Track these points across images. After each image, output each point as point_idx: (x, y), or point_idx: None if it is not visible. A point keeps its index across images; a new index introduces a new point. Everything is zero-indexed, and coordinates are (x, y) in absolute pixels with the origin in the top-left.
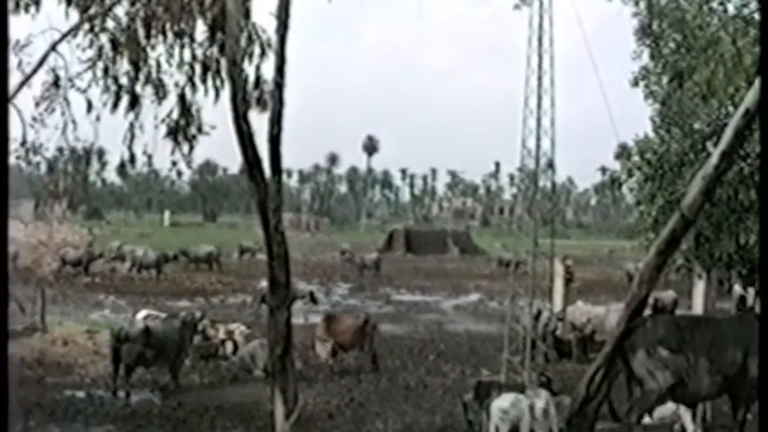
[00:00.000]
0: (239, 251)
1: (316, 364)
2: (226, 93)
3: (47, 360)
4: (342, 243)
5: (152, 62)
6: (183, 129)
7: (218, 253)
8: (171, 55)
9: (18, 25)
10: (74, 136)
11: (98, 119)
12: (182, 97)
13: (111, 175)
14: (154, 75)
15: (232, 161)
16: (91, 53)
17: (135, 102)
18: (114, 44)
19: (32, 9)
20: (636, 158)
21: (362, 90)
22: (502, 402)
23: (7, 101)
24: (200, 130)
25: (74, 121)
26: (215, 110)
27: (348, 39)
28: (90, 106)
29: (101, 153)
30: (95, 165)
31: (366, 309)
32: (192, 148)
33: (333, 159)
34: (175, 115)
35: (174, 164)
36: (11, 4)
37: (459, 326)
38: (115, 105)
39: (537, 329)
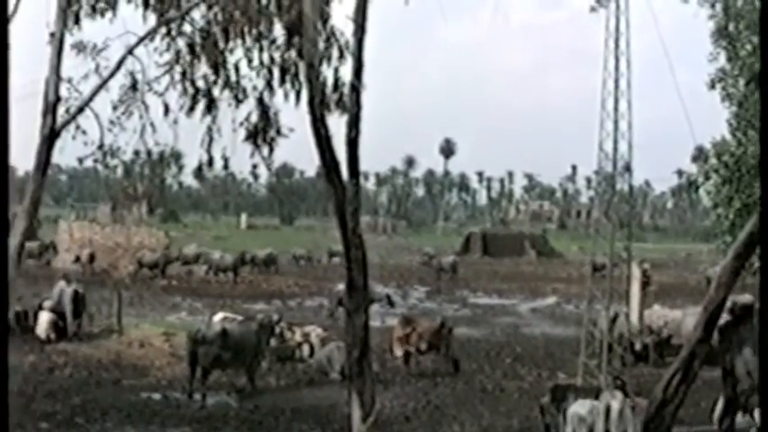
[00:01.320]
0: (328, 254)
1: (392, 366)
2: (304, 96)
3: (123, 362)
4: (418, 246)
5: (230, 66)
6: (262, 132)
7: (275, 255)
8: (249, 59)
9: (95, 29)
10: (153, 140)
11: (176, 122)
12: (260, 101)
13: (188, 178)
14: (233, 78)
15: (309, 164)
16: (168, 57)
17: (212, 105)
18: (192, 48)
19: (109, 14)
20: (713, 161)
21: (439, 93)
22: (579, 408)
23: (7, 101)
24: (278, 132)
25: (152, 125)
26: (293, 112)
27: (425, 41)
28: (167, 110)
29: (177, 156)
30: (172, 168)
31: (443, 312)
32: (271, 150)
33: (410, 162)
34: (254, 118)
35: (255, 167)
36: (87, 9)
37: (536, 329)
38: (192, 109)
39: (613, 333)
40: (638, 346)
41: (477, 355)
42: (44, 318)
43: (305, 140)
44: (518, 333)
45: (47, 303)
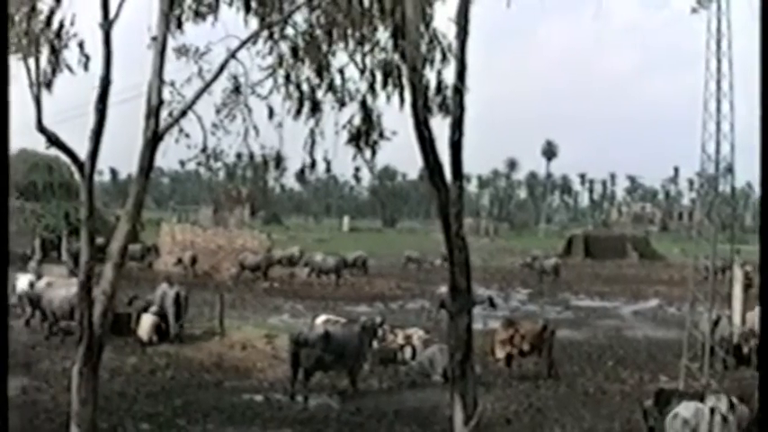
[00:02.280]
0: (442, 258)
1: (494, 369)
2: (407, 98)
3: (225, 364)
4: (520, 248)
5: (333, 69)
6: (365, 135)
7: (364, 257)
8: (353, 61)
9: (197, 33)
10: (256, 143)
11: (280, 125)
12: (363, 103)
13: (290, 181)
14: (337, 81)
15: (411, 166)
16: (271, 60)
17: (316, 108)
18: (295, 51)
19: (211, 17)
20: None
21: (541, 95)
22: (683, 412)
23: (7, 101)
24: (381, 135)
25: (255, 128)
26: (395, 115)
27: (527, 43)
28: (272, 113)
29: (279, 159)
30: (274, 170)
31: (545, 314)
32: (374, 153)
33: (512, 164)
34: (357, 121)
35: (358, 170)
36: (190, 13)
37: (638, 332)
38: (298, 112)
39: (715, 336)
40: (745, 350)
41: (578, 357)
42: (147, 320)
43: (407, 143)
44: (620, 336)
45: (153, 308)
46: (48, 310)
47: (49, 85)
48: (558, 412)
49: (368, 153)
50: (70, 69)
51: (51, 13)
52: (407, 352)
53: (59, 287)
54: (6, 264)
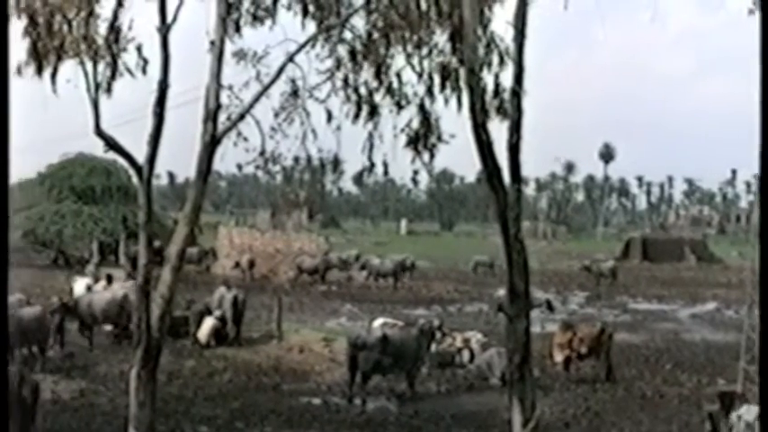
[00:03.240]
0: None
1: (552, 372)
2: (465, 102)
3: (283, 367)
4: (578, 251)
5: (391, 72)
6: (423, 138)
7: (411, 260)
8: (411, 65)
9: (255, 37)
10: (316, 147)
11: (339, 128)
12: (421, 107)
13: (348, 184)
14: (395, 85)
15: (469, 170)
16: (329, 64)
17: (374, 112)
18: (353, 55)
19: (269, 21)
20: None
21: (598, 97)
22: (746, 415)
23: (7, 101)
24: (439, 139)
25: (313, 131)
26: (453, 118)
27: (584, 46)
28: (330, 116)
29: (336, 162)
30: (331, 174)
31: (602, 317)
32: (432, 157)
33: (569, 167)
34: (415, 125)
35: (416, 173)
36: (247, 17)
37: (696, 335)
38: (357, 116)
39: None
40: None
41: (636, 361)
42: (207, 323)
43: (465, 146)
44: (678, 339)
45: (217, 313)
46: (87, 314)
47: (108, 88)
48: (616, 416)
49: (426, 156)
50: (131, 73)
51: (114, 17)
52: (465, 355)
53: (101, 291)
54: (6, 264)
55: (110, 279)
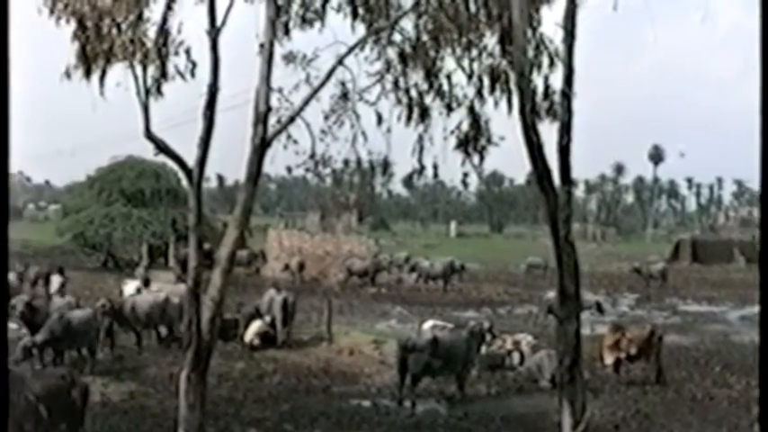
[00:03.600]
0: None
1: (602, 374)
2: (514, 104)
3: (333, 369)
4: (627, 253)
5: (441, 75)
6: (473, 140)
7: (451, 263)
8: (460, 67)
9: (304, 40)
10: (365, 149)
11: (389, 131)
12: (471, 109)
13: (397, 187)
14: (445, 87)
15: (519, 172)
16: (379, 66)
17: (425, 114)
18: (402, 57)
19: (318, 23)
20: None
21: (648, 98)
22: None
23: (7, 101)
24: (489, 141)
25: (363, 134)
26: (502, 120)
27: (633, 47)
28: (380, 119)
29: (386, 165)
30: (381, 176)
31: (652, 319)
32: (482, 159)
33: (619, 169)
34: (465, 127)
35: (466, 175)
36: (297, 20)
37: (746, 337)
38: (408, 118)
39: None
40: None
41: (686, 363)
42: (253, 325)
43: (514, 148)
44: (727, 341)
45: (267, 318)
46: (131, 317)
47: (158, 92)
48: (666, 418)
49: (476, 158)
50: (182, 76)
51: (163, 20)
52: (515, 357)
53: (144, 294)
54: (6, 264)
55: (147, 282)
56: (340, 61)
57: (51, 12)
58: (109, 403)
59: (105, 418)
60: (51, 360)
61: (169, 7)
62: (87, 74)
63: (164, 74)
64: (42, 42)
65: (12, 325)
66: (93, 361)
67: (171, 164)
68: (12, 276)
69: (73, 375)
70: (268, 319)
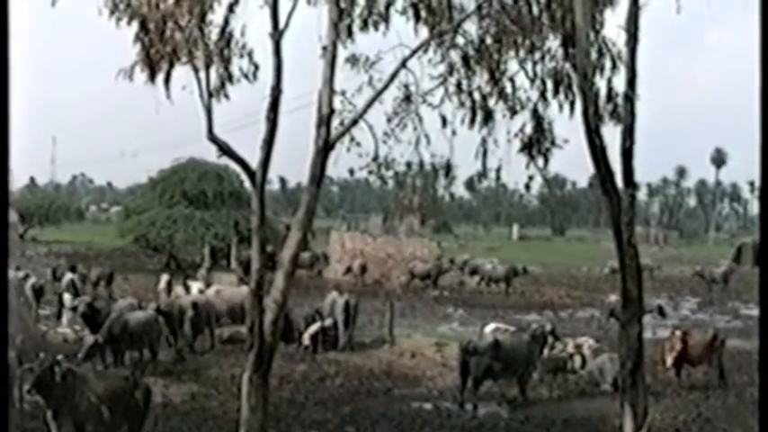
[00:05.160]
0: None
1: (664, 378)
2: (577, 106)
3: (395, 372)
4: (689, 257)
5: (504, 77)
6: (537, 143)
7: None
8: (523, 70)
9: (367, 42)
10: (428, 151)
11: (454, 133)
12: (534, 112)
13: (460, 189)
14: (508, 90)
15: (581, 174)
16: (442, 69)
17: (489, 117)
18: (466, 60)
19: (382, 26)
20: None
21: (710, 101)
22: None
23: (7, 101)
24: (553, 143)
25: (426, 137)
26: (564, 123)
27: (696, 49)
28: (445, 122)
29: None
30: (443, 179)
31: (714, 323)
32: (546, 161)
33: (681, 172)
34: (528, 130)
35: (531, 178)
36: (359, 22)
37: None
38: (472, 121)
39: None
40: None
41: (748, 367)
42: (312, 328)
43: (576, 151)
44: None
45: (329, 321)
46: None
47: (222, 92)
48: (727, 422)
49: (540, 161)
50: (247, 78)
51: (225, 23)
52: (577, 361)
53: (186, 296)
54: (6, 264)
55: (170, 285)
56: (403, 64)
57: (111, 13)
58: (170, 404)
59: (166, 419)
60: (112, 361)
61: (231, 10)
62: (152, 76)
63: (227, 76)
64: (106, 44)
65: (66, 328)
66: (154, 362)
67: (233, 166)
68: (74, 277)
69: (135, 377)
70: (329, 321)
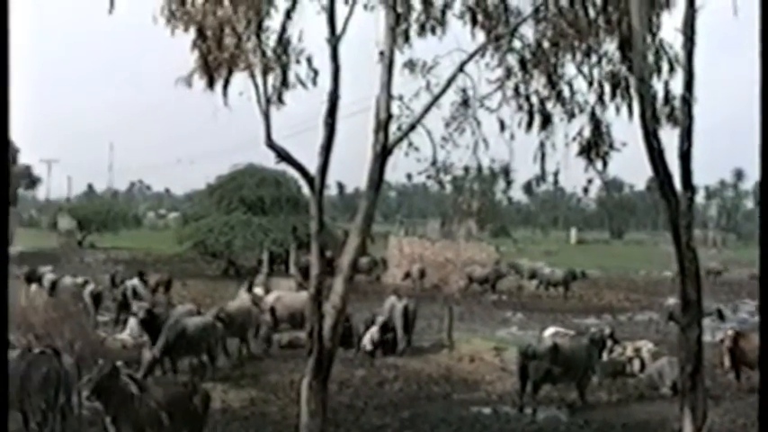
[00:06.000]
0: (705, 272)
1: (723, 381)
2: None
3: (454, 376)
4: (748, 259)
5: (562, 81)
6: (595, 146)
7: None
8: (581, 73)
9: (425, 47)
10: (486, 156)
11: (512, 138)
12: (592, 115)
13: (518, 193)
14: (566, 93)
15: (638, 178)
16: (499, 73)
17: (547, 121)
18: (523, 64)
19: (438, 31)
20: None
21: None
22: None
23: (7, 101)
24: (611, 146)
25: (484, 141)
26: (622, 126)
27: (754, 51)
28: (503, 126)
29: (506, 171)
30: (501, 183)
31: None
32: (605, 165)
33: (738, 175)
34: (587, 133)
35: (590, 181)
36: (416, 27)
37: None
38: (529, 125)
39: None
40: None
41: None
42: (371, 332)
43: (634, 154)
44: None
45: (379, 319)
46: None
47: (280, 98)
48: None
49: (599, 164)
50: (303, 84)
51: (282, 29)
52: (636, 364)
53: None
54: (6, 263)
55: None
56: (460, 68)
57: (168, 21)
58: (229, 410)
59: (225, 424)
60: (170, 367)
61: (288, 16)
62: (210, 83)
63: (285, 82)
64: (162, 52)
65: (125, 334)
66: (213, 368)
67: (291, 171)
68: (136, 282)
69: (194, 382)
70: (380, 318)
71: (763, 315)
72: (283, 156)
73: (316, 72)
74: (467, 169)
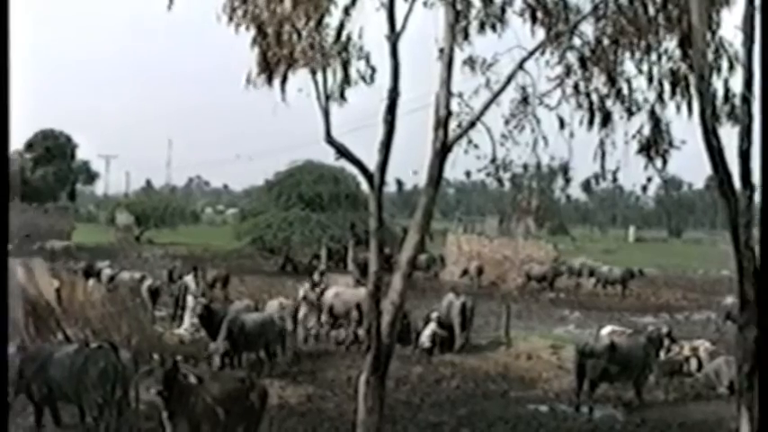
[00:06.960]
0: None
1: None
2: (695, 108)
3: (511, 374)
4: None
5: (621, 78)
6: (655, 144)
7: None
8: (640, 71)
9: (484, 44)
10: (546, 153)
11: (572, 135)
12: (652, 113)
13: (576, 191)
14: (625, 91)
15: (697, 176)
16: (559, 70)
17: (608, 119)
18: (582, 61)
19: (498, 28)
20: None
21: None
22: None
23: (7, 101)
24: (671, 145)
25: (544, 138)
26: (681, 124)
27: None
28: (563, 124)
29: (566, 169)
30: (560, 181)
31: None
32: (665, 163)
33: None
34: (646, 131)
35: (649, 180)
36: (476, 24)
37: None
38: (590, 122)
39: None
40: None
41: None
42: (429, 329)
43: (693, 152)
44: None
45: (433, 315)
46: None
47: (341, 95)
48: None
49: (658, 163)
50: (364, 80)
51: (341, 26)
52: (693, 363)
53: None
54: (6, 263)
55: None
56: (520, 66)
57: (230, 19)
58: (286, 406)
59: (282, 420)
60: (229, 362)
61: (347, 13)
62: (269, 80)
63: (347, 79)
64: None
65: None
66: (271, 364)
67: (349, 168)
68: (189, 279)
69: (251, 378)
70: (435, 314)
71: (762, 315)
72: (343, 152)
73: (374, 69)
74: (526, 167)
